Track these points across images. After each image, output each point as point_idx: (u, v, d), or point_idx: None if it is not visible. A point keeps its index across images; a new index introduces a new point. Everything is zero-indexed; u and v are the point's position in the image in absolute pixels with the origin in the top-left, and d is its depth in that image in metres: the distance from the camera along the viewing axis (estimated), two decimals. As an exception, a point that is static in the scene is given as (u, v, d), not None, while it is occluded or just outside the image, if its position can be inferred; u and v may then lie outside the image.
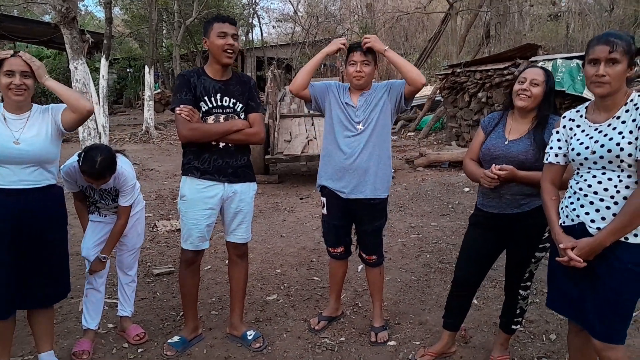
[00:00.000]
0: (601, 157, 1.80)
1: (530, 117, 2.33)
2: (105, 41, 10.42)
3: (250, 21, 21.98)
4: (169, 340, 2.79)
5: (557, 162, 2.00)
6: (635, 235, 1.77)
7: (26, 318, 2.50)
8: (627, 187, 1.78)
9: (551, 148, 2.02)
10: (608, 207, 1.80)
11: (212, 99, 2.61)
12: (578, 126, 1.94)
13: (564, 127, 1.98)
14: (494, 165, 2.26)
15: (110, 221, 2.79)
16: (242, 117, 2.68)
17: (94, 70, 14.40)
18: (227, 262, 3.03)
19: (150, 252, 4.47)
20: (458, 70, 10.13)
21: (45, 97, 17.01)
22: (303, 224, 5.35)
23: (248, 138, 2.67)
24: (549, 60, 7.91)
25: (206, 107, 2.60)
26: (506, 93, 6.73)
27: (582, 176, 1.89)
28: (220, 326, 3.05)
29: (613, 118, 1.83)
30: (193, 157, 2.64)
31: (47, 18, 19.23)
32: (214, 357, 2.73)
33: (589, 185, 1.85)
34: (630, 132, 1.76)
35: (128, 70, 22.62)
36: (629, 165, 1.77)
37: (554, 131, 2.03)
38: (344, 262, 3.03)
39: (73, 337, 2.91)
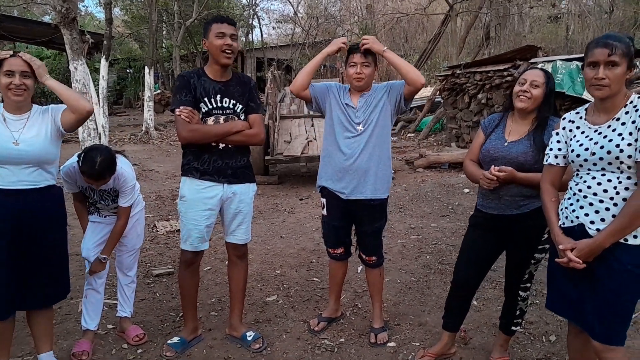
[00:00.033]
0: (601, 159, 1.81)
1: (530, 118, 2.33)
2: (105, 42, 10.42)
3: (250, 22, 22.01)
4: (169, 341, 2.79)
5: (557, 164, 2.00)
6: (635, 236, 1.77)
7: (25, 318, 2.49)
8: (626, 188, 1.78)
9: (551, 149, 2.02)
10: (607, 209, 1.80)
11: (212, 100, 2.61)
12: (578, 128, 1.94)
13: (564, 128, 1.98)
14: (493, 166, 2.26)
15: (110, 222, 2.79)
16: (242, 118, 2.68)
17: (94, 71, 14.39)
18: (226, 263, 3.03)
19: (149, 252, 4.47)
20: (458, 71, 10.12)
21: (45, 97, 17.03)
22: (303, 225, 5.35)
23: (248, 139, 2.68)
24: (548, 61, 7.91)
25: (206, 108, 2.60)
26: (506, 94, 6.76)
27: (581, 177, 1.89)
28: (219, 327, 3.04)
29: (613, 120, 1.83)
30: (193, 157, 2.64)
31: (47, 18, 19.26)
32: (214, 358, 2.73)
33: (589, 187, 1.85)
34: (630, 133, 1.76)
35: (128, 70, 22.62)
36: (629, 167, 1.77)
37: (553, 133, 2.03)
38: (343, 263, 3.03)
39: (72, 337, 2.90)
